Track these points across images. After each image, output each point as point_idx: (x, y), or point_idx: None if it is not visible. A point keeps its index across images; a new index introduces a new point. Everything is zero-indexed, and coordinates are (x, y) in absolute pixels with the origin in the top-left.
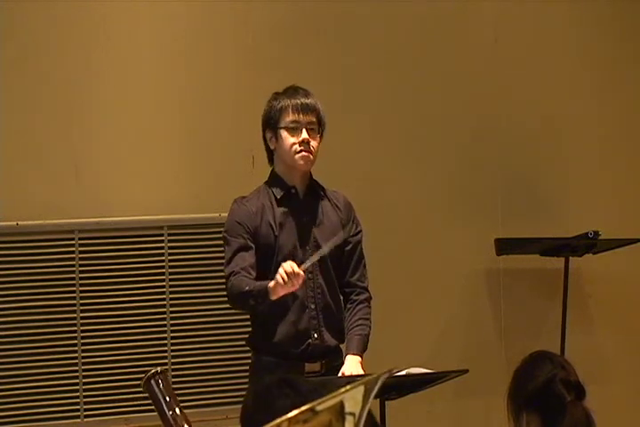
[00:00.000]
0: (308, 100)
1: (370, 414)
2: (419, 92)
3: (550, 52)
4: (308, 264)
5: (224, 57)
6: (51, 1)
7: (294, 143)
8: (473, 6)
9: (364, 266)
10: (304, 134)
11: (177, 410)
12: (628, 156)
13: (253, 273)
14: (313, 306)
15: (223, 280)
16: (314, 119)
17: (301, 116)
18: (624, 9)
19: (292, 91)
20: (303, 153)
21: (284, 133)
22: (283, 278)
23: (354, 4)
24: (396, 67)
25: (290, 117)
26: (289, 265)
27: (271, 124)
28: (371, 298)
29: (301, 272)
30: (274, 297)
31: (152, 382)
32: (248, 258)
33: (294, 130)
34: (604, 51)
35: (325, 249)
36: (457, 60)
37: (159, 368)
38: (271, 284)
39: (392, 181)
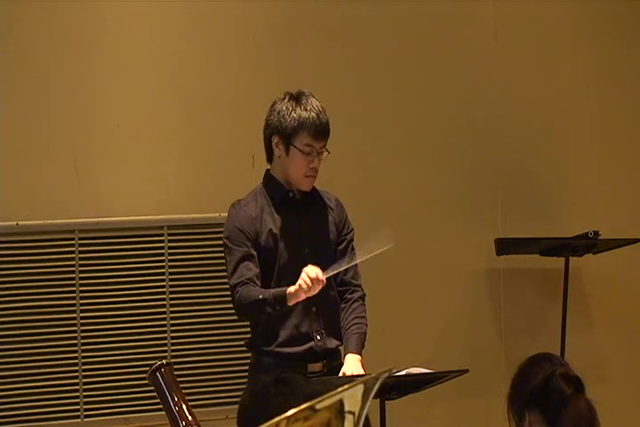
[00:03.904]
0: (324, 121)
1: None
2: (419, 93)
3: (550, 51)
4: (331, 273)
5: (224, 57)
6: (51, 1)
7: (304, 166)
8: (473, 6)
9: (357, 264)
10: (315, 163)
11: (183, 405)
12: (629, 155)
13: (259, 283)
14: (314, 309)
15: (223, 280)
16: (325, 141)
17: (317, 142)
18: (624, 8)
19: (310, 104)
20: (309, 179)
21: (296, 153)
22: (306, 284)
23: (353, 5)
24: (396, 67)
25: (306, 140)
26: (313, 271)
27: (284, 134)
28: (365, 295)
29: (324, 279)
30: (292, 302)
31: (157, 374)
32: (253, 267)
33: (307, 154)
34: (604, 50)
35: (356, 260)
36: (457, 59)
37: (164, 360)
38: (291, 289)
39: (392, 181)
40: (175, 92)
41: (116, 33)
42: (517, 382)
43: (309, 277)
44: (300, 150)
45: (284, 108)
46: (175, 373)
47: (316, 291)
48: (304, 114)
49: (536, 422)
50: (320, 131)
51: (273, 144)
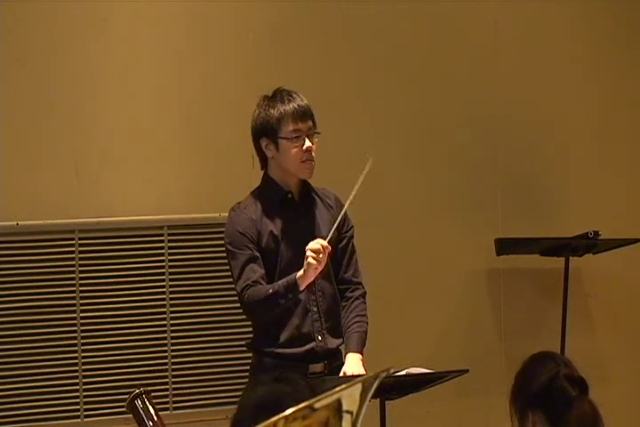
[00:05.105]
0: (303, 104)
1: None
2: (419, 93)
3: (551, 51)
4: (329, 236)
5: (224, 57)
6: (51, 1)
7: (298, 152)
8: (473, 6)
9: (357, 261)
10: (307, 143)
11: None
12: (628, 155)
13: (265, 283)
14: (315, 309)
15: (223, 280)
16: (311, 123)
17: (301, 124)
18: (624, 8)
19: (286, 96)
20: (308, 163)
21: (285, 143)
22: (314, 258)
23: (353, 5)
24: (396, 67)
25: (290, 127)
26: (315, 243)
27: (269, 132)
28: (365, 293)
29: (327, 244)
30: (303, 286)
31: (135, 402)
32: (258, 269)
33: (296, 139)
34: (604, 50)
35: (340, 216)
36: (457, 59)
37: (142, 389)
38: (300, 273)
39: (392, 181)
40: (175, 92)
41: (115, 33)
42: (521, 380)
43: (314, 250)
44: (289, 138)
45: (261, 110)
46: (175, 373)
47: (325, 261)
48: (281, 107)
49: (539, 423)
50: (301, 112)
51: (263, 147)
